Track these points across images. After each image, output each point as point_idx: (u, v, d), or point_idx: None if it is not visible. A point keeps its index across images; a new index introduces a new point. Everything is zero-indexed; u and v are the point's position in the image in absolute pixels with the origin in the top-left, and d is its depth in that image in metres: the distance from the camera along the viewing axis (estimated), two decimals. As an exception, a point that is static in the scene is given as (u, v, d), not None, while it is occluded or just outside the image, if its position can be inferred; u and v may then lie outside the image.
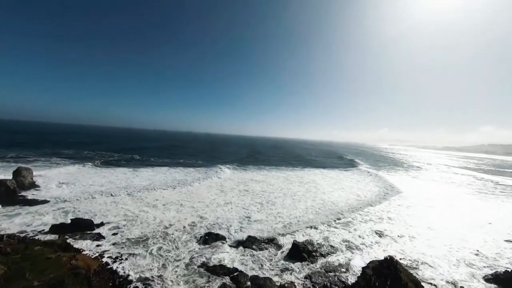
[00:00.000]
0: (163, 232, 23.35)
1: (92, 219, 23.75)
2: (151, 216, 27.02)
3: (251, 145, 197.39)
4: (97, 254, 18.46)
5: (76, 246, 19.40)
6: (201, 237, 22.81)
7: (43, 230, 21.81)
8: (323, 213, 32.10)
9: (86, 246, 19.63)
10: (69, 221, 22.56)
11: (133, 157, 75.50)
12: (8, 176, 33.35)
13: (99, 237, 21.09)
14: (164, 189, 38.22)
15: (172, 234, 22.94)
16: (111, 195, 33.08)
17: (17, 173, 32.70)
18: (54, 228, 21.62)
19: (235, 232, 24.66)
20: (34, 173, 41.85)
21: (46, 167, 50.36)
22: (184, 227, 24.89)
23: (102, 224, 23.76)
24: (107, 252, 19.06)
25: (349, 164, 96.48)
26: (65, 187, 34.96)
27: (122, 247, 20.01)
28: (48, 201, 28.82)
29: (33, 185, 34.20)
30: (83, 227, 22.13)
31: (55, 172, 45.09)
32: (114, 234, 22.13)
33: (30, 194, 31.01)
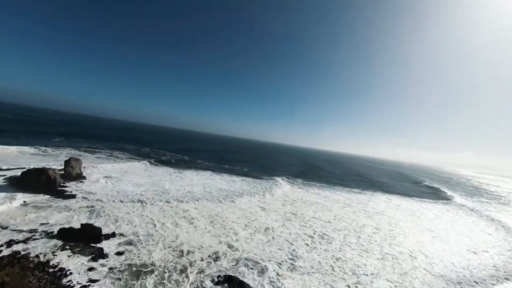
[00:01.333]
0: (176, 262, 17.36)
1: (102, 228, 19.84)
2: (173, 234, 21.70)
3: (304, 157, 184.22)
4: (78, 286, 13.58)
5: (65, 264, 15.16)
6: (219, 281, 15.82)
7: (52, 232, 18.87)
8: (415, 275, 20.65)
9: (76, 267, 15.17)
10: (79, 226, 19.20)
11: (183, 158, 76.35)
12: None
13: (99, 255, 16.53)
14: (202, 199, 33.26)
15: (185, 268, 16.68)
16: (140, 202, 29.88)
17: (67, 163, 33.24)
18: (61, 233, 18.34)
19: (270, 281, 16.70)
20: (92, 165, 43.90)
21: (105, 160, 53.57)
22: (203, 259, 18.37)
23: (113, 235, 19.57)
24: (94, 284, 14.02)
25: (433, 193, 74.85)
26: (105, 184, 33.89)
27: (118, 278, 14.75)
28: (82, 197, 27.31)
29: (80, 177, 34.40)
30: (89, 236, 18.23)
31: (109, 166, 46.36)
32: (119, 253, 17.33)
33: (71, 185, 30.59)
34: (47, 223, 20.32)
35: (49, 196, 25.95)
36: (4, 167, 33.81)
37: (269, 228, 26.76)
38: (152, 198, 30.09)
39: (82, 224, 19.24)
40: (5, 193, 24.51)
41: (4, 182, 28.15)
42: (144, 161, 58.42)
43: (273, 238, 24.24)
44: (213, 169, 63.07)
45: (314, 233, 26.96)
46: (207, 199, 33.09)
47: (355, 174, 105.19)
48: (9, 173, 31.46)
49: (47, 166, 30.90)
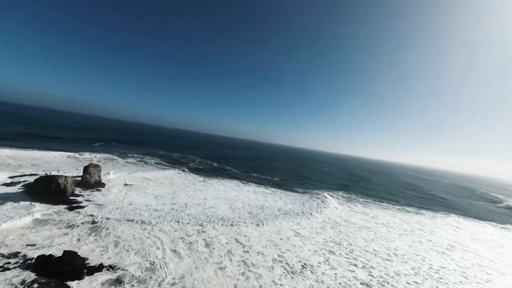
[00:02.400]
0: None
1: (92, 254, 15.61)
2: (176, 271, 16.46)
3: (341, 165, 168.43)
4: None
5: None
6: None
7: (32, 259, 15.25)
8: None
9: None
10: (61, 253, 15.28)
11: (212, 165, 73.20)
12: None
13: (69, 304, 12.06)
14: (223, 219, 27.84)
15: None
16: (148, 222, 25.73)
17: (85, 170, 31.32)
18: (38, 262, 14.55)
19: None
20: (115, 171, 42.40)
21: (133, 166, 52.58)
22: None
23: (99, 268, 15.15)
24: None
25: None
26: (121, 193, 30.83)
27: None
28: (89, 210, 24.23)
29: (98, 184, 32.22)
30: (68, 270, 14.05)
31: (133, 172, 44.69)
32: (97, 300, 12.68)
33: (84, 194, 28.12)
34: (34, 245, 16.96)
35: (55, 207, 23.34)
36: (28, 172, 33.47)
37: (306, 266, 19.85)
38: (166, 216, 25.47)
39: (64, 251, 15.28)
40: (15, 203, 22.62)
41: (20, 188, 26.83)
42: (171, 169, 56.33)
43: (311, 286, 17.31)
44: (241, 178, 57.92)
45: (371, 280, 19.13)
46: (229, 219, 27.38)
47: (404, 187, 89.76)
48: (31, 178, 30.70)
49: (58, 174, 29.11)
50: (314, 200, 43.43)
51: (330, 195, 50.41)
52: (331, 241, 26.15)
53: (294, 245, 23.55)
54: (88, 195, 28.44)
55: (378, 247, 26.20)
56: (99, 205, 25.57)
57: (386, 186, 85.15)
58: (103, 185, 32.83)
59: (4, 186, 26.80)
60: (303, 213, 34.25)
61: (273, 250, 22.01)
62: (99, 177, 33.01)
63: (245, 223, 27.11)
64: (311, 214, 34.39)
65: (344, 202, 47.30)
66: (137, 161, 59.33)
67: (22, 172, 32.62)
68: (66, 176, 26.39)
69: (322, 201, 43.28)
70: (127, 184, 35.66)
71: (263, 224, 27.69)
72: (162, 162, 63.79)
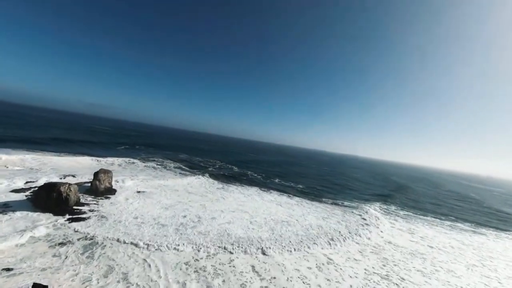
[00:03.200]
0: None
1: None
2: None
3: (370, 170, 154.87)
4: None
5: None
6: None
7: (-1, 292, 12.35)
8: None
9: None
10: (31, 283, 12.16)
11: (232, 169, 69.77)
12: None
13: None
14: (239, 242, 23.44)
15: None
16: (148, 244, 22.29)
17: (95, 176, 29.34)
18: (1, 299, 11.60)
19: None
20: (131, 176, 40.65)
21: (151, 170, 51.03)
22: None
23: (74, 312, 11.75)
24: None
25: None
26: (130, 203, 28.12)
27: None
28: (90, 224, 21.55)
29: (108, 191, 30.07)
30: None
31: (149, 178, 42.73)
32: None
33: (91, 203, 25.82)
34: (10, 270, 14.18)
35: (53, 219, 21.06)
36: (43, 178, 32.60)
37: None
38: (172, 234, 21.82)
39: (34, 284, 12.11)
40: (14, 213, 20.76)
41: (27, 196, 25.36)
42: (189, 174, 53.95)
43: None
44: (262, 185, 53.38)
45: None
46: (246, 240, 22.71)
47: (449, 196, 77.38)
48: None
49: (61, 181, 27.31)
50: (348, 213, 37.24)
51: (368, 207, 43.53)
52: (375, 272, 20.31)
53: (329, 279, 18.26)
54: (95, 203, 26.15)
55: (441, 285, 19.73)
56: (102, 217, 22.85)
57: (429, 195, 74.09)
58: (114, 192, 30.65)
59: (13, 193, 25.55)
60: (336, 230, 28.52)
61: (301, 285, 17.03)
62: (110, 183, 30.90)
63: (266, 245, 22.39)
64: (349, 233, 28.46)
65: (383, 214, 40.18)
66: (157, 165, 58.05)
67: (37, 178, 31.81)
68: (69, 184, 24.25)
69: (360, 215, 36.95)
70: (139, 192, 33.23)
71: (288, 246, 22.70)
72: (181, 166, 61.96)
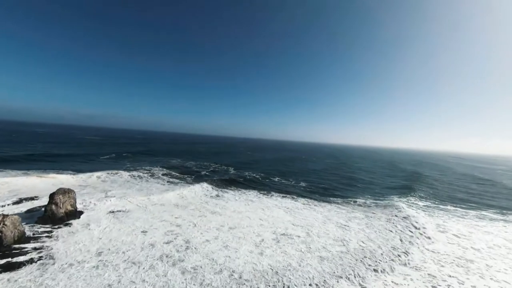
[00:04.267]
0: None
1: None
2: None
3: (386, 160, 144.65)
4: None
5: None
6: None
7: None
8: None
9: None
10: None
11: (228, 171, 63.51)
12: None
13: None
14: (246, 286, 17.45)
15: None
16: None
17: (51, 198, 22.85)
18: None
19: None
20: (106, 194, 34.16)
21: (134, 182, 44.52)
22: None
23: None
24: None
25: None
26: (98, 230, 21.65)
27: None
28: (23, 277, 15.12)
29: (71, 215, 23.57)
30: None
31: (135, 198, 36.30)
32: None
33: (40, 236, 19.27)
34: None
35: (-26, 271, 14.69)
36: (-7, 204, 25.93)
37: None
38: (145, 278, 15.58)
39: None
40: None
41: (-47, 234, 18.81)
42: (179, 182, 47.78)
43: None
44: (261, 187, 47.46)
45: None
46: (253, 279, 16.10)
47: (477, 182, 71.91)
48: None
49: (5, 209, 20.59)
50: (371, 215, 31.40)
51: (396, 203, 37.99)
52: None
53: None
54: (47, 236, 19.68)
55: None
56: (49, 258, 16.45)
57: (455, 183, 68.55)
58: (78, 215, 24.18)
59: None
60: (374, 245, 22.51)
61: None
62: (73, 205, 24.38)
63: (287, 281, 16.19)
64: (392, 249, 22.40)
65: (423, 213, 34.34)
66: (143, 174, 51.46)
67: (-18, 205, 25.15)
68: (4, 215, 17.77)
69: (387, 217, 31.15)
70: (113, 212, 26.81)
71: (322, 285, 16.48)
72: (172, 173, 55.50)
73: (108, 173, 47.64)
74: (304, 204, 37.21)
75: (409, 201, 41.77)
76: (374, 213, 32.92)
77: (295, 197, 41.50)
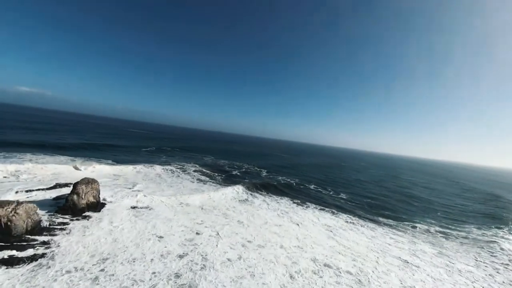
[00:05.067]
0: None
1: None
2: None
3: (446, 175, 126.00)
4: None
5: None
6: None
7: None
8: None
9: None
10: None
11: (259, 173, 59.53)
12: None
13: None
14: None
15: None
16: None
17: (74, 188, 21.72)
18: None
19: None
20: (135, 188, 33.12)
21: (169, 175, 43.67)
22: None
23: None
24: None
25: None
26: (114, 228, 19.66)
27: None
28: (20, 275, 13.12)
29: (92, 207, 22.24)
30: None
31: (161, 193, 34.85)
32: None
33: (54, 229, 17.83)
34: None
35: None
36: (34, 188, 26.40)
37: None
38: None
39: None
40: None
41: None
42: (208, 181, 45.48)
43: None
44: (295, 194, 42.16)
45: None
46: None
47: None
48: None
49: (8, 199, 19.60)
50: (460, 254, 23.72)
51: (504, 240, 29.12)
52: None
53: None
54: (61, 228, 18.17)
55: None
56: (47, 261, 14.28)
57: None
58: (99, 208, 22.73)
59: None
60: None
61: None
62: (96, 197, 23.05)
63: None
64: None
65: None
66: (176, 169, 50.73)
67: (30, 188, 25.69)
68: (19, 202, 16.55)
69: (495, 257, 23.27)
70: (135, 207, 24.95)
71: None
72: (203, 170, 53.90)
73: (143, 166, 47.92)
74: (347, 222, 30.92)
75: (505, 237, 31.58)
76: (450, 249, 24.93)
77: (335, 211, 35.31)
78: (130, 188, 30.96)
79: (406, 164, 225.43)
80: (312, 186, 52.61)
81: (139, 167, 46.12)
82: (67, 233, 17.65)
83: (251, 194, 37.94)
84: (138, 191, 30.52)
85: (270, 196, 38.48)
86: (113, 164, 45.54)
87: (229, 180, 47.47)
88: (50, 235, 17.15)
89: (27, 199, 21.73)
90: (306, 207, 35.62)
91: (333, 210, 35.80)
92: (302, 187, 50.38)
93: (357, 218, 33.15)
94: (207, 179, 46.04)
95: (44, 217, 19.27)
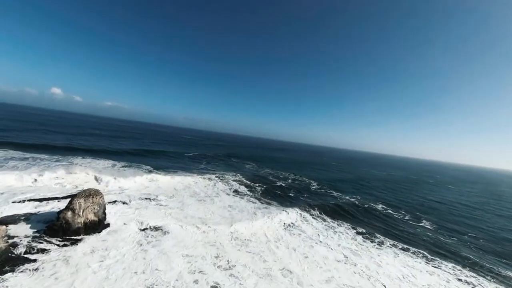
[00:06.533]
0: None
1: None
2: None
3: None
4: None
5: None
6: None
7: None
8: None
9: None
10: None
11: (325, 193, 49.48)
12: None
13: None
14: None
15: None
16: None
17: (69, 203, 17.25)
18: None
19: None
20: (159, 202, 28.27)
21: (206, 184, 38.41)
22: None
23: None
24: None
25: None
26: (108, 264, 14.08)
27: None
28: None
29: (92, 227, 17.35)
30: None
31: (186, 211, 29.37)
32: None
33: (30, 260, 13.21)
34: None
35: None
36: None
37: None
38: None
39: None
40: None
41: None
42: (247, 194, 38.49)
43: None
44: (358, 222, 30.83)
45: None
46: None
47: None
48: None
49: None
50: None
51: None
52: None
53: None
54: (34, 260, 13.32)
55: None
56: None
57: None
58: (101, 228, 17.77)
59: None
60: None
61: None
62: (97, 213, 18.17)
63: None
64: None
65: None
66: (214, 177, 45.51)
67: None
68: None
69: None
70: (146, 229, 19.29)
71: None
72: (243, 180, 47.23)
73: (178, 173, 44.32)
74: (456, 278, 18.99)
75: None
76: None
77: (427, 253, 23.50)
78: (152, 202, 26.14)
79: (507, 179, 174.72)
80: (379, 207, 40.16)
81: (175, 175, 42.40)
82: (33, 270, 12.55)
83: (300, 216, 28.99)
84: (161, 205, 25.43)
85: (325, 222, 28.69)
86: (148, 171, 43.16)
87: (272, 194, 39.55)
88: (15, 273, 12.26)
89: (17, 212, 18.22)
90: (379, 242, 24.69)
91: (422, 251, 23.92)
92: (366, 207, 38.55)
93: (469, 270, 20.67)
94: (247, 191, 39.09)
95: (25, 240, 14.96)
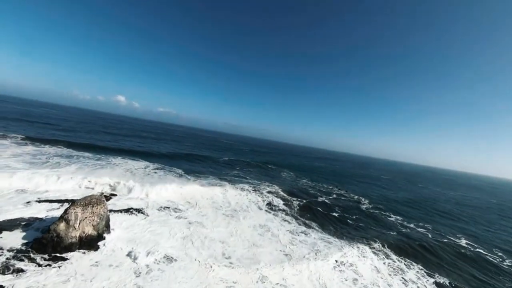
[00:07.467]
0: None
1: None
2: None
3: None
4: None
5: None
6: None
7: None
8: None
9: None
10: None
11: (379, 217, 40.77)
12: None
13: None
14: None
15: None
16: None
17: (64, 213, 14.41)
18: None
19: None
20: (178, 216, 24.79)
21: (238, 200, 34.17)
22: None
23: None
24: None
25: None
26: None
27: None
28: None
29: (87, 244, 14.19)
30: None
31: (204, 230, 25.25)
32: None
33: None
34: None
35: None
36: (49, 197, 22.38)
37: None
38: None
39: None
40: None
41: None
42: (281, 210, 32.65)
43: None
44: (433, 264, 21.78)
45: None
46: None
47: None
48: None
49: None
50: None
51: None
52: None
53: None
54: (6, 287, 10.36)
55: None
56: None
57: None
58: (97, 246, 14.54)
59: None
60: None
61: None
62: (96, 227, 15.00)
63: None
64: None
65: None
66: (248, 186, 41.12)
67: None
68: None
69: None
70: (150, 253, 15.39)
71: None
72: (278, 192, 41.52)
73: (209, 179, 41.18)
74: None
75: None
76: None
77: None
78: (170, 211, 22.68)
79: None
80: (463, 242, 29.79)
81: (205, 181, 39.34)
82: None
83: (345, 242, 21.98)
84: (180, 217, 21.71)
85: (388, 258, 21.01)
86: (180, 175, 41.02)
87: (312, 212, 32.96)
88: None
89: (23, 216, 16.17)
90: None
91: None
92: (443, 241, 28.74)
93: None
94: (283, 206, 33.38)
95: (6, 254, 12.32)
